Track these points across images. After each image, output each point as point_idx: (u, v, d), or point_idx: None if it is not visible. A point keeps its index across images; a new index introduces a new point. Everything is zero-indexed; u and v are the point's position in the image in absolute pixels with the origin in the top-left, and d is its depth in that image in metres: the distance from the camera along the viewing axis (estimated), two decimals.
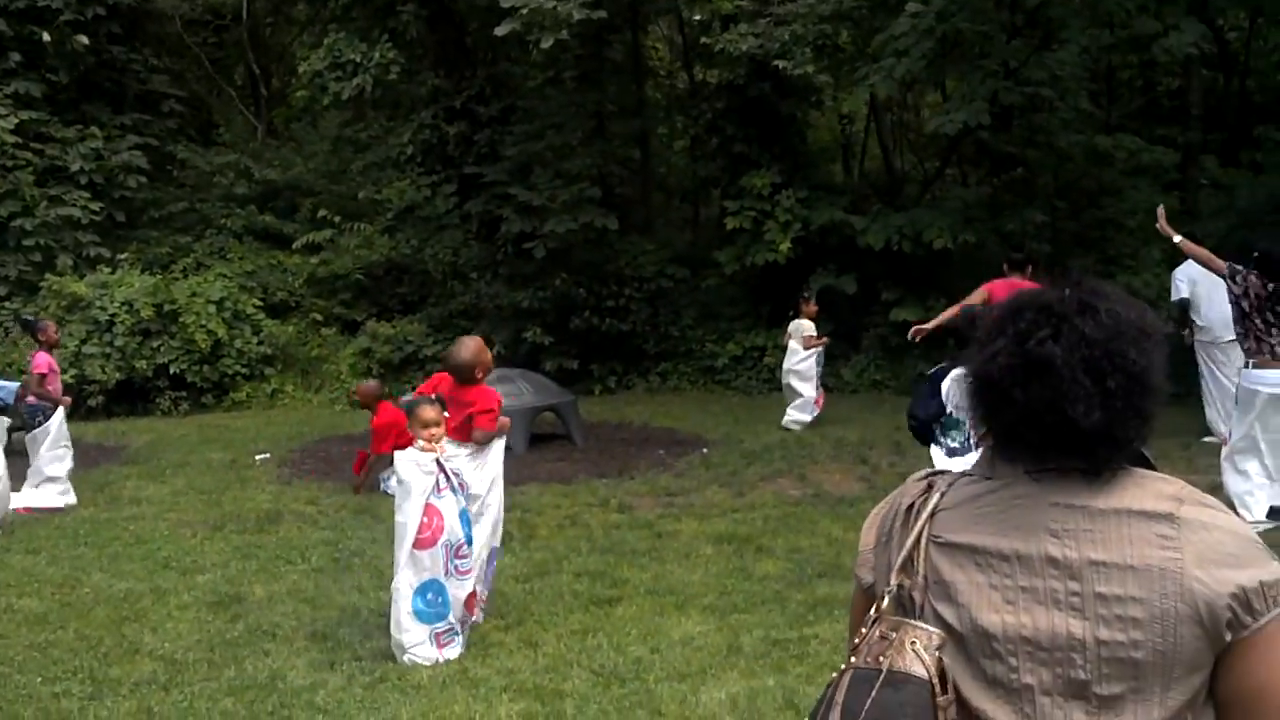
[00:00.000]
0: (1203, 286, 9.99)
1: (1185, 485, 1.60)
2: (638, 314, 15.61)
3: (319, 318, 16.73)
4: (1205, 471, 8.38)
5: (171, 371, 14.83)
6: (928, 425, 5.89)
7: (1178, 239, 7.51)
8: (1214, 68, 18.70)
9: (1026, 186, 16.04)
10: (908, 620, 1.61)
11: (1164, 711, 1.52)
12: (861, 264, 14.62)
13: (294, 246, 17.56)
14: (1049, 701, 1.55)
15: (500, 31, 12.70)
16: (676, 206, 21.60)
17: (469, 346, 6.14)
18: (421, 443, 5.61)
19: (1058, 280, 1.69)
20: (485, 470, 6.11)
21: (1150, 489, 1.58)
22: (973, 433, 5.48)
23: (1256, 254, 7.14)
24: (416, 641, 5.47)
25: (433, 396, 5.83)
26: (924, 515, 1.67)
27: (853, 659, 1.61)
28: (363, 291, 16.98)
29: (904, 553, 1.66)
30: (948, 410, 5.74)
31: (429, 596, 5.50)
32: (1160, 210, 7.83)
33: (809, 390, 12.01)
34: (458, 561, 5.60)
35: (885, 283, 14.41)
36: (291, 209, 18.87)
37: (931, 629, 1.59)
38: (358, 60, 15.65)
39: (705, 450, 11.12)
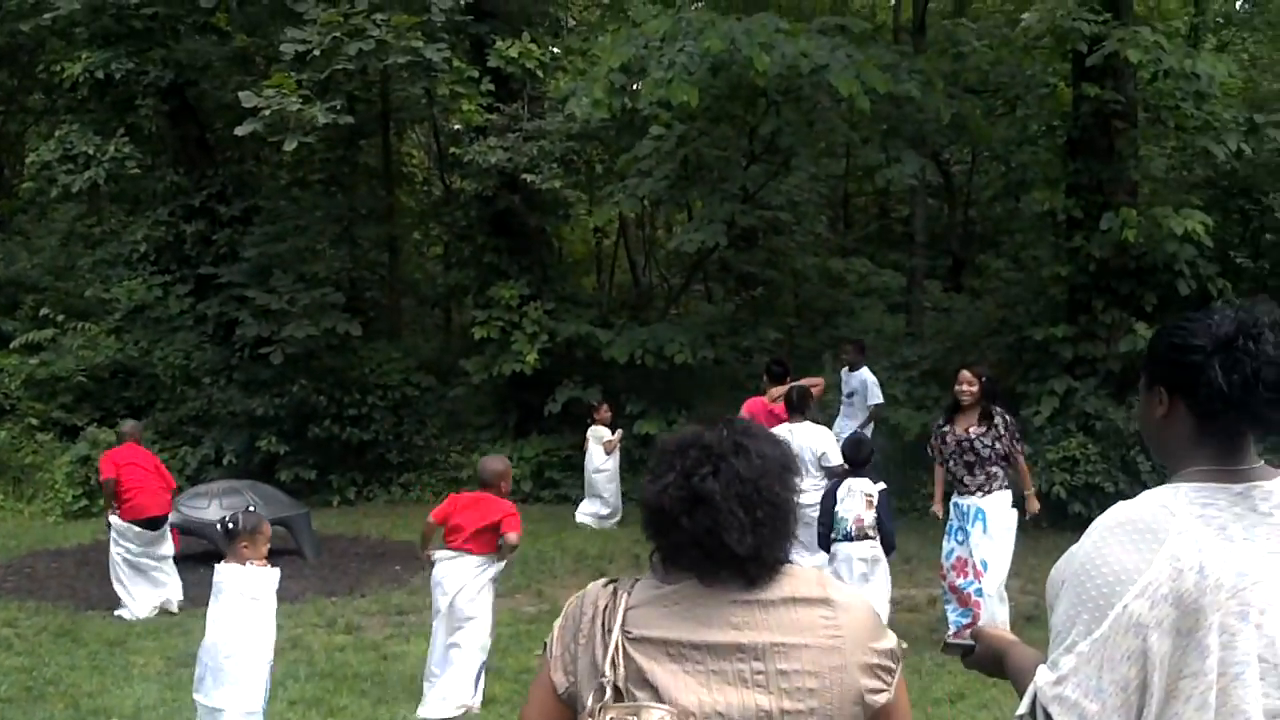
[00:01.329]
0: None
1: (822, 573, 1.96)
2: (381, 423, 15.24)
3: (35, 422, 15.61)
4: None
5: None
6: (827, 528, 7.40)
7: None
8: (940, 197, 20.06)
9: (768, 305, 16.69)
10: (644, 704, 1.79)
11: None
12: (607, 376, 14.79)
13: (12, 346, 16.42)
14: None
15: (241, 132, 12.43)
16: (429, 313, 21.45)
17: (502, 459, 7.01)
18: (255, 560, 5.50)
19: (713, 423, 1.97)
20: (480, 590, 6.52)
21: (801, 579, 1.89)
22: (854, 527, 7.27)
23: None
24: None
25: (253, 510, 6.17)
26: (619, 615, 1.87)
27: None
28: (85, 395, 15.97)
29: (610, 650, 1.84)
30: (836, 513, 7.35)
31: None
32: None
33: (612, 489, 12.67)
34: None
35: (630, 395, 14.60)
36: (13, 306, 17.69)
37: (666, 707, 1.78)
38: (90, 153, 14.92)
39: None
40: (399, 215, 18.38)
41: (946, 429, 7.51)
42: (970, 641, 2.24)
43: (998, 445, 7.37)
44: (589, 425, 12.83)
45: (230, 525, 5.46)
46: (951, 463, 7.46)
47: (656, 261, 20.51)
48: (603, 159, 16.43)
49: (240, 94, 12.53)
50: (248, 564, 5.44)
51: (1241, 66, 14.10)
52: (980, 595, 7.31)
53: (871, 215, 23.13)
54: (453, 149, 15.09)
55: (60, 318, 16.63)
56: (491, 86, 14.07)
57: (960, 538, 7.46)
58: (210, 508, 10.72)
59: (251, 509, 5.94)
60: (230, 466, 14.45)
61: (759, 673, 1.80)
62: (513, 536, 6.43)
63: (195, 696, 5.47)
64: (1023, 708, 1.85)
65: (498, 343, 14.59)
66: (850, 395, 11.37)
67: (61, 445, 15.27)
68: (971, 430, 7.40)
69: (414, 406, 15.83)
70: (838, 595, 1.88)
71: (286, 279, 14.63)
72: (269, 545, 5.59)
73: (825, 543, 7.49)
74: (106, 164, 14.61)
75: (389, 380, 15.59)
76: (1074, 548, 1.85)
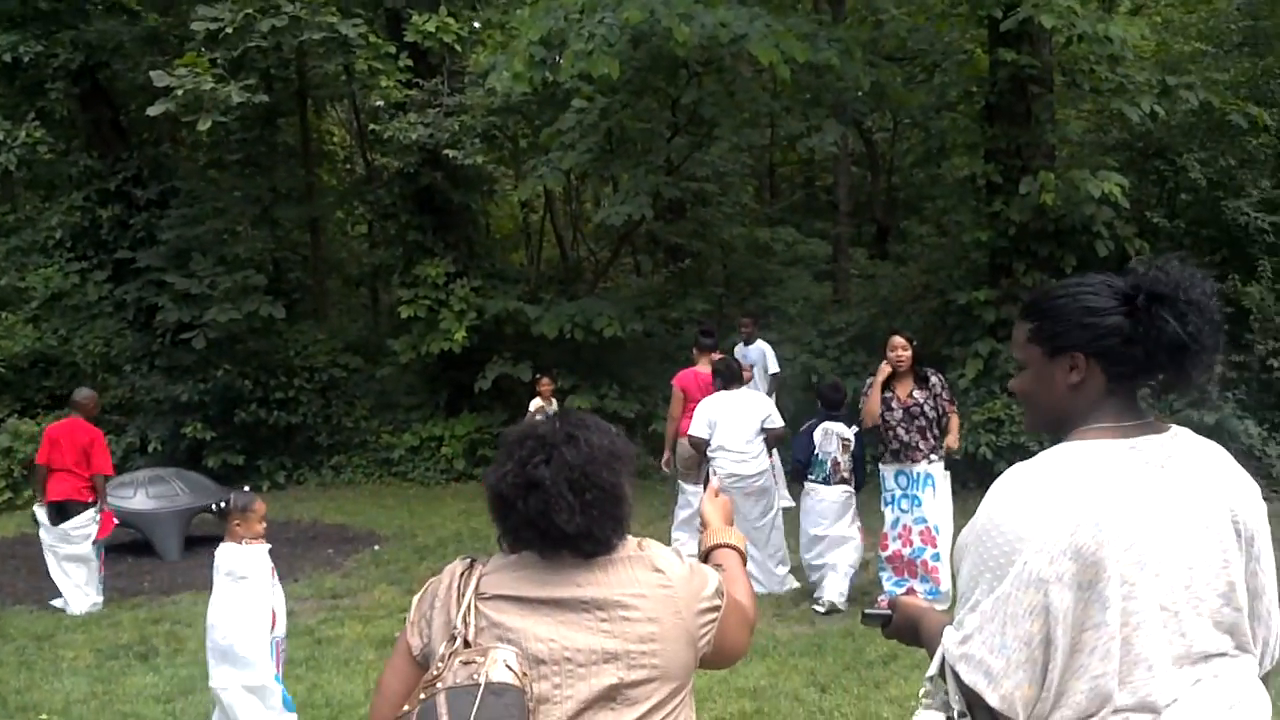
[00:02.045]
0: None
1: (643, 539, 2.16)
2: (309, 405, 15.09)
3: None
4: None
5: None
6: (803, 464, 7.83)
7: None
8: (863, 166, 20.20)
9: (697, 276, 16.73)
10: (492, 645, 1.98)
11: (676, 699, 2.07)
12: (537, 352, 14.74)
13: None
14: (586, 710, 1.99)
15: (153, 112, 12.19)
16: (355, 293, 21.22)
17: None
18: (250, 539, 5.50)
19: (552, 417, 2.19)
20: None
21: (629, 545, 2.12)
22: (832, 471, 7.71)
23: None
24: None
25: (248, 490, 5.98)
26: (473, 580, 2.08)
27: (438, 685, 1.92)
28: (5, 385, 15.61)
29: (463, 608, 2.04)
30: (815, 453, 7.74)
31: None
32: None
33: None
34: (280, 655, 5.62)
35: (560, 370, 14.55)
36: None
37: (512, 648, 1.98)
38: (1, 138, 14.55)
39: (377, 547, 10.81)
40: (321, 194, 18.13)
41: (889, 395, 7.57)
42: (888, 612, 2.27)
43: (939, 405, 7.52)
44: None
45: (222, 505, 5.57)
46: (901, 430, 7.50)
47: (584, 235, 20.45)
48: (526, 133, 16.33)
49: (152, 74, 12.27)
50: (242, 542, 5.47)
51: (1154, 29, 14.31)
52: (937, 560, 7.44)
53: (797, 185, 23.27)
54: (373, 126, 14.92)
55: None
56: (410, 62, 13.88)
57: (905, 505, 7.54)
58: (136, 497, 10.58)
59: (247, 489, 5.96)
60: (156, 454, 14.24)
61: (604, 620, 2.01)
62: None
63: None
64: (932, 669, 1.89)
65: (425, 321, 14.46)
66: (751, 368, 11.43)
67: None
68: (916, 395, 7.50)
69: (342, 388, 15.70)
70: (660, 552, 2.13)
71: (206, 262, 14.39)
72: (263, 523, 5.60)
73: (800, 476, 7.89)
74: (18, 150, 14.23)
75: (315, 362, 15.44)
76: (976, 512, 1.87)
